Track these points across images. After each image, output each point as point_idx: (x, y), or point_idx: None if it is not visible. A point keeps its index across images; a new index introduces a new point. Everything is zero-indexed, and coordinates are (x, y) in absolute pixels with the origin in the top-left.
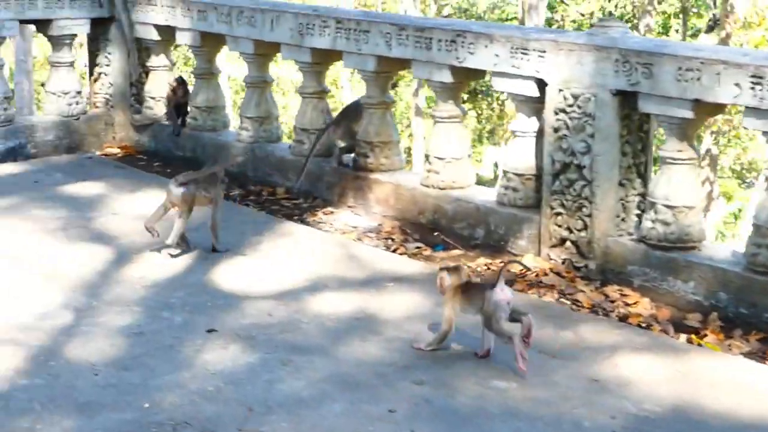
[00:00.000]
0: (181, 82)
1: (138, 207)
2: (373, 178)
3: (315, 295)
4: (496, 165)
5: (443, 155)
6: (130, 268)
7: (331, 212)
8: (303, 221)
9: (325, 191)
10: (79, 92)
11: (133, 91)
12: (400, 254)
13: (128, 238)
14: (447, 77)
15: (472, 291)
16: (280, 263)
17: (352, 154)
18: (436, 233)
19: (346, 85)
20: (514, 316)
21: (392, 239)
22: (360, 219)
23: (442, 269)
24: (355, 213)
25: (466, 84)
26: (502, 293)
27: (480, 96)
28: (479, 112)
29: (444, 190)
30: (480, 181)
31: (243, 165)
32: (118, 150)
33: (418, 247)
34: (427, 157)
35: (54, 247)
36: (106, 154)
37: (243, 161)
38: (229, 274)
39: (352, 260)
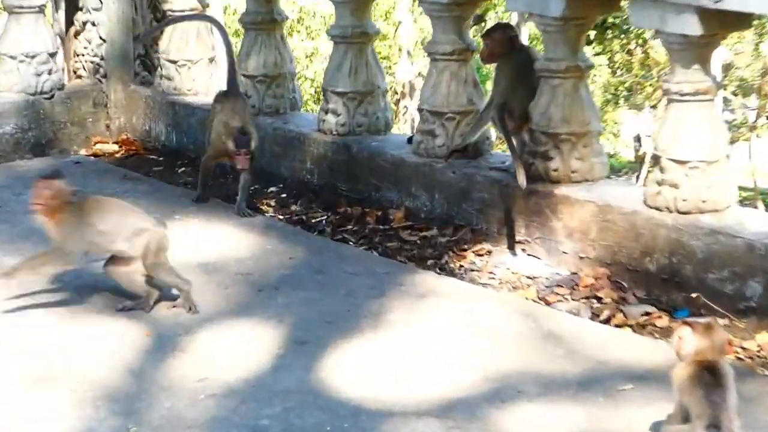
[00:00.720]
0: None
1: (179, 246)
2: (560, 195)
3: (501, 407)
4: (637, 141)
5: (686, 156)
6: (176, 360)
7: (488, 252)
8: (444, 269)
9: (476, 216)
10: (52, 55)
11: (140, 51)
12: (617, 326)
13: (165, 308)
14: (692, 27)
15: (713, 383)
16: (425, 346)
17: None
18: (678, 289)
19: (405, 19)
20: None
21: (598, 298)
22: (538, 264)
23: (686, 323)
24: (528, 253)
25: (721, 37)
26: None
27: (614, 34)
28: (612, 59)
29: (688, 214)
30: (616, 167)
31: (331, 172)
32: (117, 147)
33: (647, 313)
34: (655, 159)
35: (50, 328)
36: (97, 155)
37: (329, 163)
38: (345, 370)
39: (547, 341)
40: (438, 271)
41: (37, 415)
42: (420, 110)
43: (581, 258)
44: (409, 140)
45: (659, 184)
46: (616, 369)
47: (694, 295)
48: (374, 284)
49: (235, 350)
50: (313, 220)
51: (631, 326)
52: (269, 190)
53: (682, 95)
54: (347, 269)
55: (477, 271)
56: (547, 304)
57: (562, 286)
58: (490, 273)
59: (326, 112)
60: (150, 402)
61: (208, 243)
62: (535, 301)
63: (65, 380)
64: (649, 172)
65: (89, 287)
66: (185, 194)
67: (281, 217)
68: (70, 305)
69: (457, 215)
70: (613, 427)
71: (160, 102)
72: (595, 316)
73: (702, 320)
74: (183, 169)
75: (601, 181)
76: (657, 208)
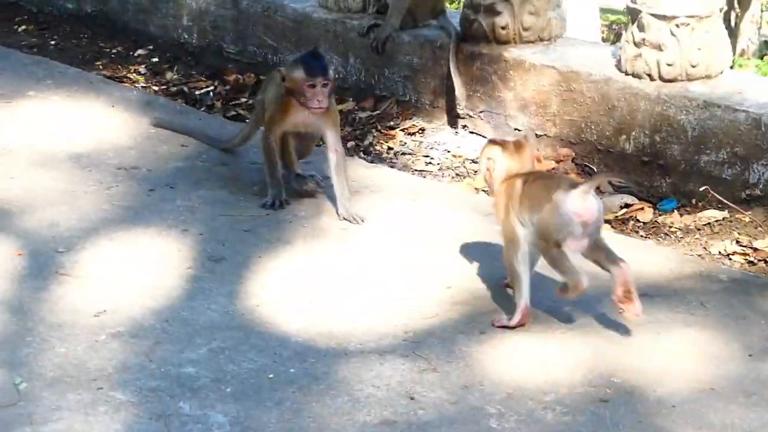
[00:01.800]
0: None
1: (39, 132)
2: (512, 59)
3: (482, 340)
4: None
5: (672, 11)
6: (62, 287)
7: (420, 130)
8: (369, 153)
9: (402, 85)
10: None
11: None
12: None
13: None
14: None
15: (536, 187)
16: (371, 260)
17: None
18: (662, 174)
19: None
20: (598, 257)
21: None
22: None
23: (491, 142)
24: (471, 130)
25: None
26: (583, 202)
27: None
28: None
29: (674, 82)
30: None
31: (214, 30)
32: None
33: (627, 205)
34: (633, 14)
35: None
36: None
37: (211, 20)
38: (278, 295)
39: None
40: (363, 156)
41: None
42: None
43: (538, 136)
44: None
45: (638, 45)
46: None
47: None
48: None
49: (134, 271)
50: (197, 92)
51: (608, 222)
52: (136, 54)
53: None
54: (254, 158)
55: (409, 154)
56: None
57: None
58: (426, 157)
59: None
60: (39, 347)
61: (76, 127)
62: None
63: None
64: (624, 30)
65: None
66: (35, 63)
67: (156, 88)
68: None
69: (378, 84)
70: (625, 363)
71: None
72: None
73: (511, 138)
74: (23, 27)
75: (560, 40)
76: (635, 75)
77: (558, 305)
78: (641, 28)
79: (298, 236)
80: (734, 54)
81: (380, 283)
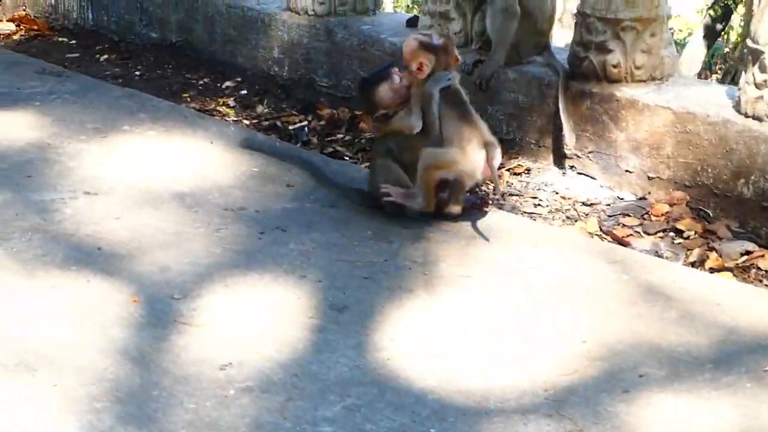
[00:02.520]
0: None
1: (140, 169)
2: (624, 99)
3: (627, 400)
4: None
5: None
6: (182, 337)
7: (527, 170)
8: (474, 193)
9: (506, 123)
10: None
11: None
12: (713, 270)
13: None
14: None
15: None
16: (499, 310)
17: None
18: None
19: None
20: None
21: (678, 231)
22: (593, 185)
23: (417, 41)
24: (579, 171)
25: None
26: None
27: None
28: None
29: None
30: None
31: (306, 63)
32: (13, 26)
33: (747, 252)
34: (754, 55)
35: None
36: None
37: (303, 53)
38: (407, 347)
39: (649, 299)
40: (470, 197)
41: (14, 424)
42: None
43: (651, 178)
44: (410, 22)
45: (759, 87)
46: (752, 339)
47: None
48: (403, 221)
49: (254, 320)
50: (291, 127)
51: (730, 269)
52: (224, 86)
53: None
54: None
55: (517, 195)
56: (619, 241)
57: (629, 215)
58: (534, 198)
59: None
60: (167, 402)
61: (176, 164)
62: (604, 238)
63: (43, 369)
64: (744, 71)
65: (39, 229)
66: (127, 95)
67: (247, 122)
68: (20, 256)
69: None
70: None
71: None
72: (675, 255)
73: (439, 41)
74: (105, 56)
75: (672, 79)
76: (756, 117)
77: (699, 362)
78: (763, 70)
79: (418, 284)
80: None
81: (511, 335)
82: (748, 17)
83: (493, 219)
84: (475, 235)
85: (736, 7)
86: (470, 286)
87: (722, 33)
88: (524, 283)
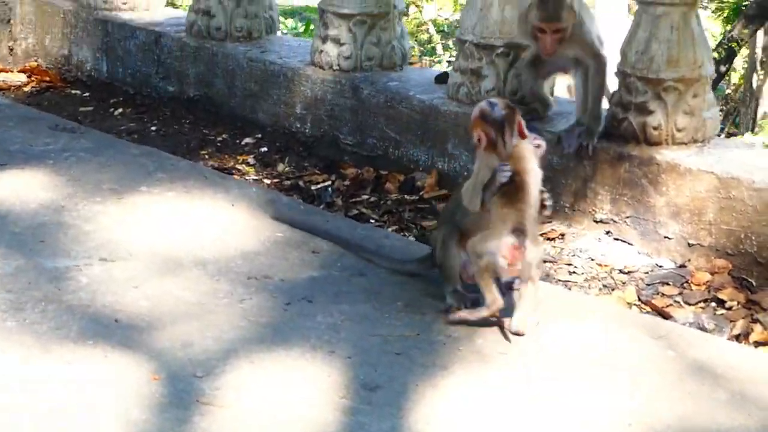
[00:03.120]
0: None
1: (158, 233)
2: (665, 162)
3: None
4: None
5: None
6: (206, 419)
7: (560, 236)
8: None
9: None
10: None
11: None
12: (758, 343)
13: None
14: None
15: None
16: (544, 388)
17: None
18: None
19: None
20: None
21: (720, 302)
22: (630, 252)
23: (478, 110)
24: (616, 237)
25: None
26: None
27: None
28: None
29: None
30: None
31: (330, 120)
32: (24, 77)
33: None
34: None
35: (13, 370)
36: None
37: (327, 109)
38: None
39: (696, 378)
40: None
41: None
42: (461, 42)
43: (691, 245)
44: (439, 78)
45: None
46: None
47: None
48: (435, 291)
49: (282, 400)
50: (314, 187)
51: None
52: (243, 142)
53: None
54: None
55: (551, 262)
56: (659, 312)
57: (668, 284)
58: (569, 265)
59: (324, 40)
60: None
61: (197, 228)
62: (643, 308)
63: None
64: None
65: (53, 299)
66: (144, 154)
67: (268, 181)
68: (34, 328)
69: None
70: None
71: (84, 19)
72: (718, 328)
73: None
74: (120, 110)
75: (713, 141)
76: None
77: None
78: None
79: (454, 361)
80: (756, 117)
81: (553, 417)
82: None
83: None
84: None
85: (740, 49)
86: (508, 363)
87: (725, 75)
88: (565, 359)
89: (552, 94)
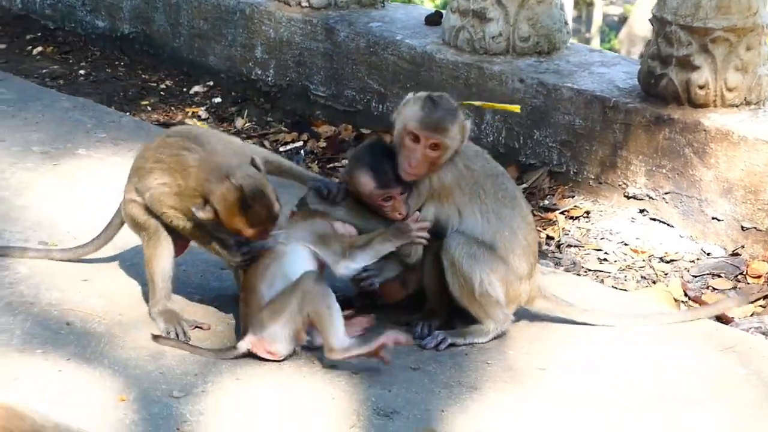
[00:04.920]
0: None
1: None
2: (713, 128)
3: None
4: None
5: None
6: None
7: (585, 214)
8: None
9: (558, 152)
10: None
11: None
12: None
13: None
14: None
15: None
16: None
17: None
18: None
19: None
20: None
21: None
22: (671, 235)
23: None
24: (652, 217)
25: None
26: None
27: None
28: None
29: None
30: None
31: (298, 67)
32: None
33: None
34: None
35: None
36: None
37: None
38: None
39: (759, 384)
40: None
41: None
42: None
43: (745, 229)
44: (431, 19)
45: None
46: None
47: None
48: None
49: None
50: (282, 148)
51: None
52: (192, 91)
53: None
54: None
55: (576, 247)
56: (718, 316)
57: (719, 276)
58: (599, 251)
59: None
60: None
61: None
62: (691, 305)
63: None
64: None
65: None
66: (78, 107)
67: None
68: None
69: (524, 149)
70: None
71: None
72: None
73: None
74: (39, 48)
75: None
76: None
77: None
78: None
79: (483, 379)
80: None
81: None
82: None
83: (554, 283)
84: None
85: None
86: (546, 381)
87: None
88: (611, 377)
89: None
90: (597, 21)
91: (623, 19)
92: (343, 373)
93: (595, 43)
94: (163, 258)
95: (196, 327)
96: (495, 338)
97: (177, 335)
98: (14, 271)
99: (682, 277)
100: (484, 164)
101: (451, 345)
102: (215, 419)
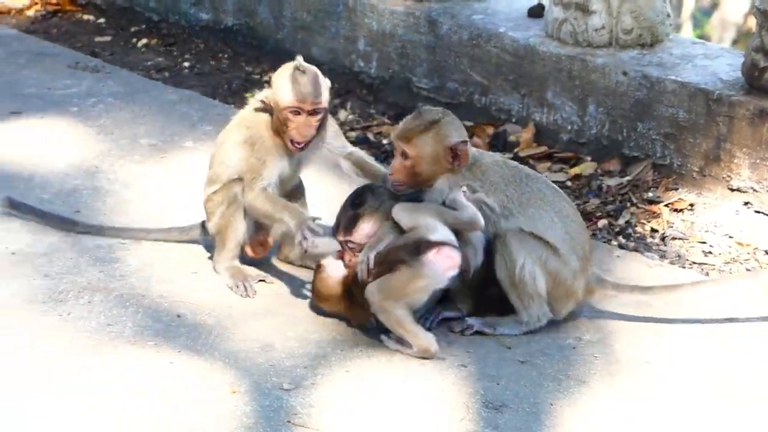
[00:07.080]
0: None
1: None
2: None
3: None
4: None
5: None
6: None
7: (690, 206)
8: (629, 237)
9: (662, 145)
10: None
11: None
12: None
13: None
14: None
15: None
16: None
17: None
18: None
19: None
20: None
21: None
22: None
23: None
24: (757, 209)
25: None
26: None
27: None
28: None
29: None
30: None
31: (401, 59)
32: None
33: None
34: None
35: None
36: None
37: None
38: None
39: None
40: (622, 240)
41: None
42: None
43: None
44: (534, 12)
45: None
46: None
47: None
48: None
49: (389, 422)
50: (385, 141)
51: None
52: None
53: None
54: None
55: (681, 239)
56: None
57: None
58: (703, 243)
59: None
60: None
61: None
62: None
63: None
64: None
65: (99, 287)
66: (184, 100)
67: None
68: (79, 325)
69: (627, 141)
70: None
71: None
72: None
73: None
74: (144, 40)
75: None
76: None
77: None
78: None
79: (592, 372)
80: None
81: None
82: None
83: (660, 276)
84: (649, 302)
85: None
86: (656, 376)
87: None
88: (722, 374)
89: None
90: (688, 7)
91: (714, 5)
92: (452, 366)
93: (687, 28)
94: (238, 225)
95: (261, 281)
96: (526, 333)
97: (245, 289)
98: (125, 264)
99: None
100: (503, 173)
101: (478, 333)
102: (325, 412)
